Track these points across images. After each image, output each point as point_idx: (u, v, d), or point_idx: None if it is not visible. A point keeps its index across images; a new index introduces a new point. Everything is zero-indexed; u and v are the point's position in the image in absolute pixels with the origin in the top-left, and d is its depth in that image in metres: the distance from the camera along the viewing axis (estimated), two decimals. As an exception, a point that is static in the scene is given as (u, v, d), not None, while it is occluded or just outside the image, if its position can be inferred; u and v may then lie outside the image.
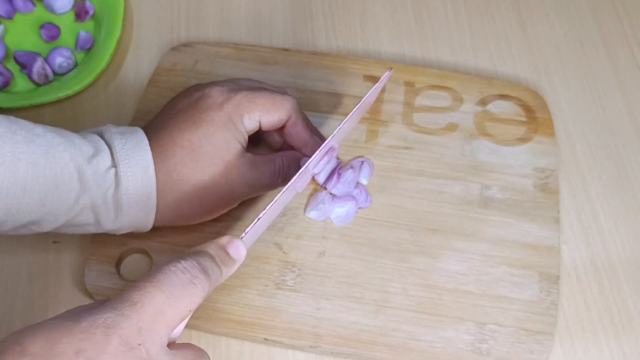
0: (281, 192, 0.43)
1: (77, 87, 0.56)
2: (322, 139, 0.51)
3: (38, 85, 0.57)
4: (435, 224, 0.51)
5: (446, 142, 0.54)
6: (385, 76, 0.51)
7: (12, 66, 0.58)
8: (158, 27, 0.62)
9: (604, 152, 0.56)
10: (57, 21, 0.60)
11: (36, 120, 0.44)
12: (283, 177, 0.49)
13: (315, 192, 0.52)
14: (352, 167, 0.52)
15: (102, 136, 0.44)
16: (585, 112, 0.58)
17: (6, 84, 0.57)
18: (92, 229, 0.44)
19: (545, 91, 0.59)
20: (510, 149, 0.54)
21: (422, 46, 0.61)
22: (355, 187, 0.51)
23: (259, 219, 0.40)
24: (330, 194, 0.51)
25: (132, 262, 0.49)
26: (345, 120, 0.47)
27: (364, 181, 0.52)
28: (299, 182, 0.47)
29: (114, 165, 0.43)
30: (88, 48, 0.59)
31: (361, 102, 0.49)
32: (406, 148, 0.54)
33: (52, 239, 0.51)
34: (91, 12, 0.60)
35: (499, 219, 0.51)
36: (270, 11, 0.63)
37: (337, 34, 0.62)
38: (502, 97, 0.56)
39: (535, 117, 0.56)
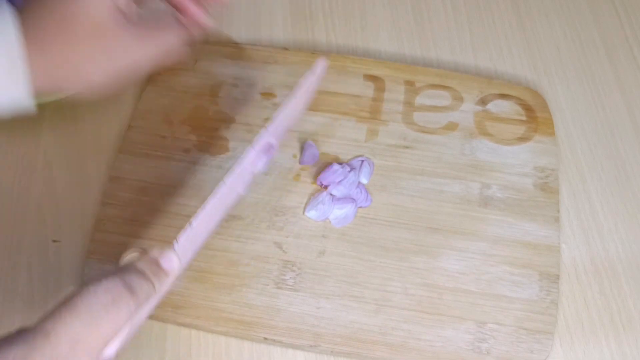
0: (211, 196, 0.39)
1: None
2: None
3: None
4: (435, 223, 0.51)
5: (446, 141, 0.54)
6: (318, 65, 0.48)
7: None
8: (158, 27, 0.62)
9: (603, 151, 0.56)
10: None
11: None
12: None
13: (316, 192, 0.52)
14: (352, 168, 0.52)
15: None
16: (585, 111, 0.58)
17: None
18: None
19: (545, 90, 0.59)
20: (510, 148, 0.54)
21: (422, 45, 0.61)
22: (356, 187, 0.51)
23: (190, 225, 0.37)
24: (331, 194, 0.51)
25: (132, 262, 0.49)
26: (277, 114, 0.45)
27: (364, 180, 0.52)
28: (238, 184, 0.43)
29: None
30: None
31: (292, 96, 0.46)
32: (406, 147, 0.54)
33: (52, 238, 0.51)
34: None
35: (498, 218, 0.51)
36: (270, 11, 0.63)
37: (337, 33, 0.62)
38: (502, 96, 0.56)
39: (535, 116, 0.56)
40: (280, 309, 0.47)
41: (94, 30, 0.40)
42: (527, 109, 0.56)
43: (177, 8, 0.44)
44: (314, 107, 0.55)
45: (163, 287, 0.35)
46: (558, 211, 0.51)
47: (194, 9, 0.44)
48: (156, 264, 0.35)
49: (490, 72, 0.60)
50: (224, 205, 0.43)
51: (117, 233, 0.50)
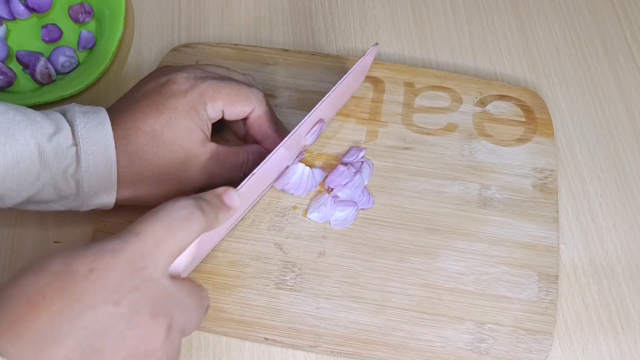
0: (279, 147, 0.44)
1: (79, 86, 0.56)
2: (286, 133, 0.50)
3: (41, 84, 0.58)
4: (434, 223, 0.51)
5: (445, 142, 0.55)
6: (371, 50, 0.50)
7: (15, 66, 0.58)
8: (159, 28, 0.62)
9: (602, 152, 0.56)
10: (59, 21, 0.61)
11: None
12: (245, 171, 0.49)
13: (317, 193, 0.52)
14: (358, 170, 0.52)
15: (64, 114, 0.45)
16: (584, 112, 0.58)
17: (9, 84, 0.57)
18: (56, 206, 0.45)
19: (544, 92, 0.59)
20: (509, 149, 0.54)
21: (422, 47, 0.62)
22: (361, 191, 0.52)
23: (252, 175, 0.42)
24: (334, 196, 0.51)
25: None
26: (331, 91, 0.47)
27: (364, 182, 0.52)
28: (289, 153, 0.46)
29: (75, 143, 0.43)
30: (90, 47, 0.60)
31: (347, 74, 0.49)
32: (406, 148, 0.54)
33: (54, 239, 0.51)
34: (91, 13, 0.60)
35: (498, 218, 0.51)
36: (270, 12, 0.63)
37: (337, 34, 0.62)
38: (501, 97, 0.57)
39: (534, 117, 0.56)
40: (280, 309, 0.48)
41: (185, 158, 0.46)
42: (526, 110, 0.56)
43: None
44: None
45: (224, 220, 0.40)
46: (557, 212, 0.52)
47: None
48: (220, 198, 0.40)
49: (490, 74, 0.60)
50: (275, 170, 0.47)
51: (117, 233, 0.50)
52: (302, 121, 0.46)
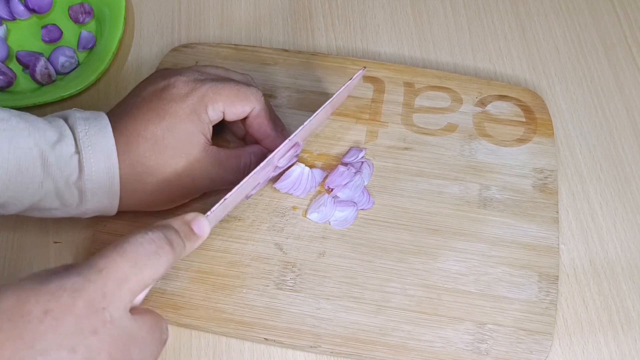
0: (245, 179, 0.43)
1: (79, 87, 0.56)
2: (285, 132, 0.50)
3: (41, 85, 0.58)
4: (434, 224, 0.51)
5: (445, 142, 0.54)
6: (358, 74, 0.51)
7: (15, 66, 0.58)
8: (159, 28, 0.62)
9: (602, 152, 0.56)
10: (59, 21, 0.61)
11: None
12: (247, 173, 0.48)
13: (317, 194, 0.52)
14: (358, 170, 0.52)
15: (66, 120, 0.45)
16: (584, 112, 0.58)
17: (9, 84, 0.57)
18: (58, 213, 0.45)
19: (544, 92, 0.59)
20: (509, 150, 0.54)
21: (422, 47, 0.62)
22: (361, 191, 0.52)
23: (224, 200, 0.41)
24: (334, 196, 0.51)
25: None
26: (312, 117, 0.47)
27: (364, 182, 0.52)
28: (261, 173, 0.46)
29: (77, 151, 0.43)
30: (90, 47, 0.60)
31: (331, 99, 0.49)
32: (405, 149, 0.54)
33: (53, 239, 0.51)
34: (91, 13, 0.60)
35: (498, 219, 0.51)
36: (270, 12, 0.63)
37: (337, 34, 0.62)
38: (501, 97, 0.57)
39: (534, 117, 0.56)
40: (280, 309, 0.48)
41: (188, 163, 0.46)
42: (526, 110, 0.56)
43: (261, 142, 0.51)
44: (313, 109, 0.55)
45: (192, 249, 0.39)
46: (557, 212, 0.52)
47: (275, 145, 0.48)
48: (189, 226, 0.39)
49: (490, 74, 0.60)
50: (246, 189, 0.46)
51: (117, 234, 0.50)
52: (279, 147, 0.46)
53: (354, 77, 0.50)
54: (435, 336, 0.47)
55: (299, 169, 0.51)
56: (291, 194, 0.52)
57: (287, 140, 0.46)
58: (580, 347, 0.49)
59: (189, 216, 0.39)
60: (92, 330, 0.32)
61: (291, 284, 0.49)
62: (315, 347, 0.47)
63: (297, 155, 0.51)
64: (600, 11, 0.64)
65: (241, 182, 0.42)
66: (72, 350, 0.31)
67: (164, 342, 0.37)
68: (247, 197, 0.50)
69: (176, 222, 0.38)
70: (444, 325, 0.47)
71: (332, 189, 0.52)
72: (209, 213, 0.40)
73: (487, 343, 0.47)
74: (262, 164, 0.44)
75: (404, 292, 0.48)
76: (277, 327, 0.47)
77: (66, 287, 0.32)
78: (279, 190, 0.52)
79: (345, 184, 0.51)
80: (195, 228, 0.39)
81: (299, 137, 0.48)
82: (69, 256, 0.51)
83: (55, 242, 0.51)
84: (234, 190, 0.42)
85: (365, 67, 0.51)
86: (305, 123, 0.47)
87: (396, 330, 0.47)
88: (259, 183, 0.49)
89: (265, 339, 0.47)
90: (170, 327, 0.48)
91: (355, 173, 0.52)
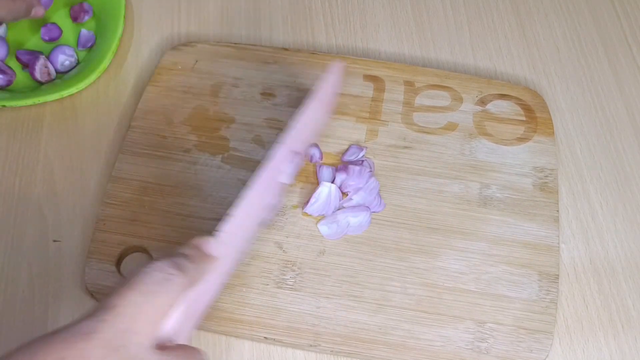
0: (241, 197, 0.41)
1: (79, 86, 0.56)
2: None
3: (41, 83, 0.58)
4: (434, 223, 0.51)
5: (446, 141, 0.54)
6: (335, 68, 0.49)
7: (14, 65, 0.58)
8: (159, 27, 0.62)
9: (602, 151, 0.56)
10: (58, 20, 0.60)
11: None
12: None
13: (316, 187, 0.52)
14: (357, 169, 0.52)
15: None
16: (584, 111, 0.58)
17: (9, 82, 0.57)
18: None
19: (545, 91, 0.59)
20: (510, 149, 0.54)
21: (422, 46, 0.62)
22: (376, 194, 0.51)
23: (231, 216, 0.40)
24: (349, 199, 0.51)
25: (132, 261, 0.50)
26: (295, 122, 0.46)
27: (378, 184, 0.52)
28: (266, 192, 0.44)
29: None
30: (90, 46, 0.60)
31: (311, 99, 0.47)
32: (406, 147, 0.54)
33: (53, 238, 0.51)
34: (90, 12, 0.60)
35: (498, 218, 0.51)
36: (270, 11, 0.63)
37: (337, 33, 0.62)
38: (502, 96, 0.57)
39: (534, 116, 0.56)
40: (280, 308, 0.48)
41: None
42: (527, 109, 0.56)
43: None
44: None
45: (210, 269, 0.38)
46: (557, 211, 0.52)
47: None
48: (198, 249, 0.38)
49: (490, 73, 0.60)
50: (257, 210, 0.45)
51: (117, 233, 0.50)
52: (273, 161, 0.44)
53: (327, 73, 0.48)
54: (436, 335, 0.47)
55: (326, 189, 0.50)
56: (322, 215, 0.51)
57: (273, 158, 0.44)
58: (580, 345, 0.49)
59: (195, 240, 0.38)
60: None
61: (291, 283, 0.48)
62: (315, 345, 0.47)
63: (299, 165, 0.50)
64: (600, 10, 0.64)
65: (240, 200, 0.41)
66: None
67: None
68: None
69: (183, 248, 0.37)
70: (444, 324, 0.47)
71: (346, 193, 0.51)
72: (216, 232, 0.39)
73: (487, 342, 0.47)
74: (257, 186, 0.42)
75: (404, 291, 0.48)
76: (277, 326, 0.47)
77: (81, 331, 0.31)
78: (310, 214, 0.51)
79: (360, 188, 0.51)
80: (204, 249, 0.38)
81: (294, 145, 0.47)
82: (68, 255, 0.51)
83: (55, 241, 0.51)
84: (239, 205, 0.41)
85: (340, 60, 0.49)
86: (290, 127, 0.45)
87: (396, 329, 0.47)
88: (269, 203, 0.48)
89: (265, 337, 0.47)
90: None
91: (370, 174, 0.51)
